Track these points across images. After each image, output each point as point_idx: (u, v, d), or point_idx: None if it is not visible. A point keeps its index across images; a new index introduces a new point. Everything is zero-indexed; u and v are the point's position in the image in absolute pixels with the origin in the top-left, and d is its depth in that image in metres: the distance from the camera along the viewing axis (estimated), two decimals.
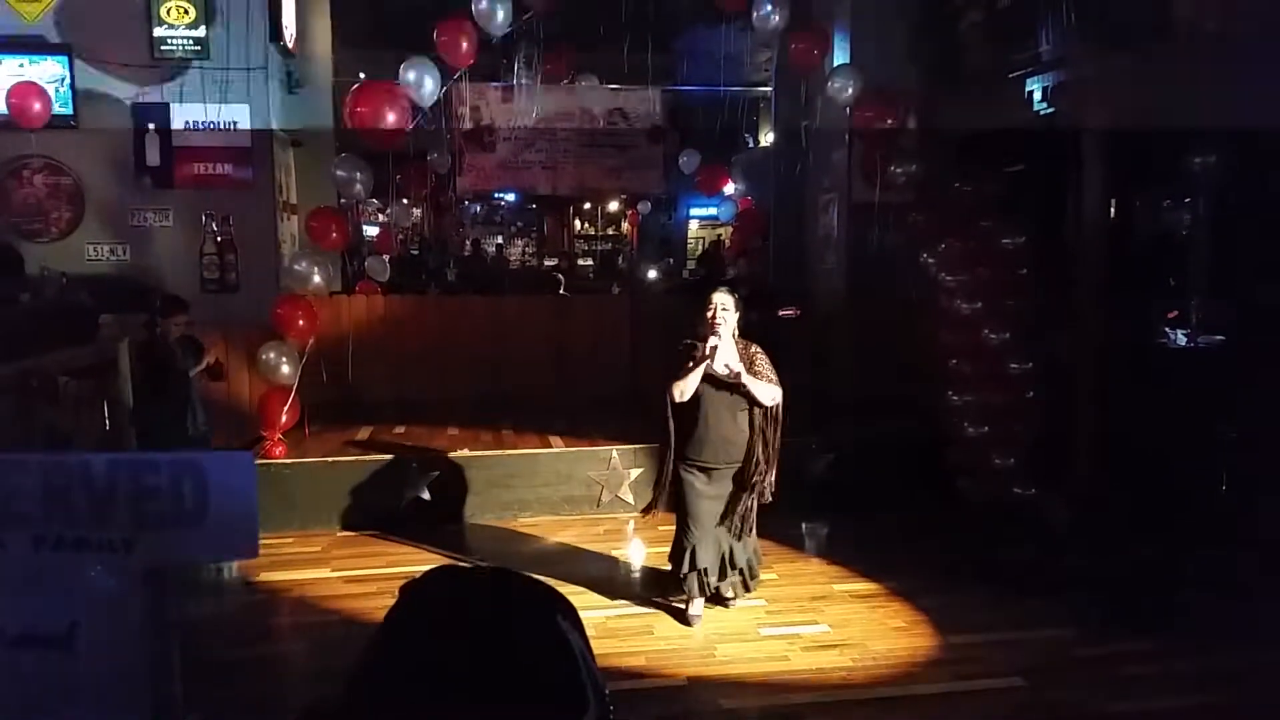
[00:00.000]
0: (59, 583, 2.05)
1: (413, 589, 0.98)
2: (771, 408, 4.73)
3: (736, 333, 4.72)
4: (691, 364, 4.63)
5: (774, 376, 4.70)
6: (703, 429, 4.72)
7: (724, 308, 4.67)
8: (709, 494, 4.80)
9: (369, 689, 0.91)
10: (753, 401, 4.68)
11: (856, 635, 4.75)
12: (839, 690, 4.20)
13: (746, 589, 5.06)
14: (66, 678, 2.05)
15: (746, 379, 4.58)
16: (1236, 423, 5.94)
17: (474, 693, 0.88)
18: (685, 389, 4.64)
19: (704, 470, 4.78)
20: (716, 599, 5.04)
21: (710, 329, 4.63)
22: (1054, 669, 4.38)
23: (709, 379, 4.67)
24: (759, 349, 4.76)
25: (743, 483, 4.77)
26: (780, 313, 8.42)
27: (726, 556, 4.87)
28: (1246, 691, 4.13)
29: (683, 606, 4.95)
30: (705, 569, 4.81)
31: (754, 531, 4.98)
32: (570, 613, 0.98)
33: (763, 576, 5.53)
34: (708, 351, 4.59)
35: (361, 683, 0.91)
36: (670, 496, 4.92)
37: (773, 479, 4.84)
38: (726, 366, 4.58)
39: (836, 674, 4.35)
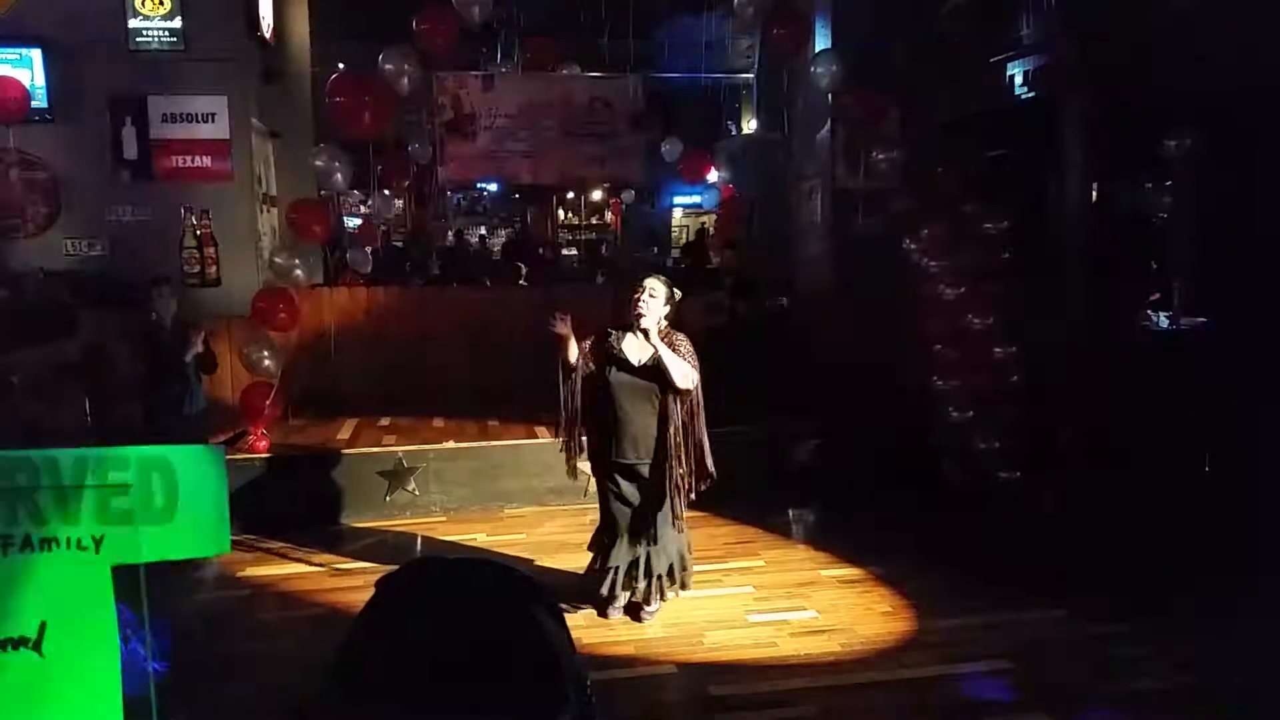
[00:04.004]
0: (28, 583, 2.02)
1: (389, 583, 0.96)
2: (687, 394, 4.46)
3: (664, 324, 4.50)
4: (610, 347, 4.53)
5: (694, 361, 4.45)
6: (619, 423, 4.51)
7: (651, 294, 4.44)
8: (626, 495, 4.61)
9: (345, 684, 0.89)
10: (667, 385, 4.42)
11: (844, 620, 4.76)
12: (827, 675, 4.20)
13: (663, 596, 4.76)
14: (37, 679, 2.03)
15: (662, 350, 4.34)
16: (1221, 405, 5.96)
17: (451, 687, 0.86)
18: (568, 354, 4.54)
19: (624, 469, 4.58)
20: (630, 611, 4.81)
21: (634, 309, 4.43)
22: (1041, 651, 4.39)
23: (621, 367, 4.49)
24: (684, 337, 4.53)
25: (662, 481, 4.49)
26: (767, 304, 8.42)
27: (641, 561, 4.64)
28: (1235, 672, 4.15)
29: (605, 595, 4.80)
30: (617, 568, 4.67)
31: (683, 530, 4.73)
32: (550, 605, 0.96)
33: (747, 564, 5.56)
34: (622, 342, 4.51)
35: (337, 678, 0.89)
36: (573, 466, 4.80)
37: (707, 476, 4.60)
38: (639, 360, 4.46)
39: (825, 659, 4.35)
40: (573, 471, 4.85)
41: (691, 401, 4.51)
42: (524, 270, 11.38)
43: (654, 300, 4.44)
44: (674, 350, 4.41)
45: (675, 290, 4.57)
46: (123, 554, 2.03)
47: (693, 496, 4.65)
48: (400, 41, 6.85)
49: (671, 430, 4.45)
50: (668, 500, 4.53)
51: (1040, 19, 6.71)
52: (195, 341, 6.02)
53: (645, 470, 4.55)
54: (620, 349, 4.53)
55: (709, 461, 4.59)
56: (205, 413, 6.37)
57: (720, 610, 4.91)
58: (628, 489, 4.62)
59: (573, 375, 4.60)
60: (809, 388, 7.55)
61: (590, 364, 4.60)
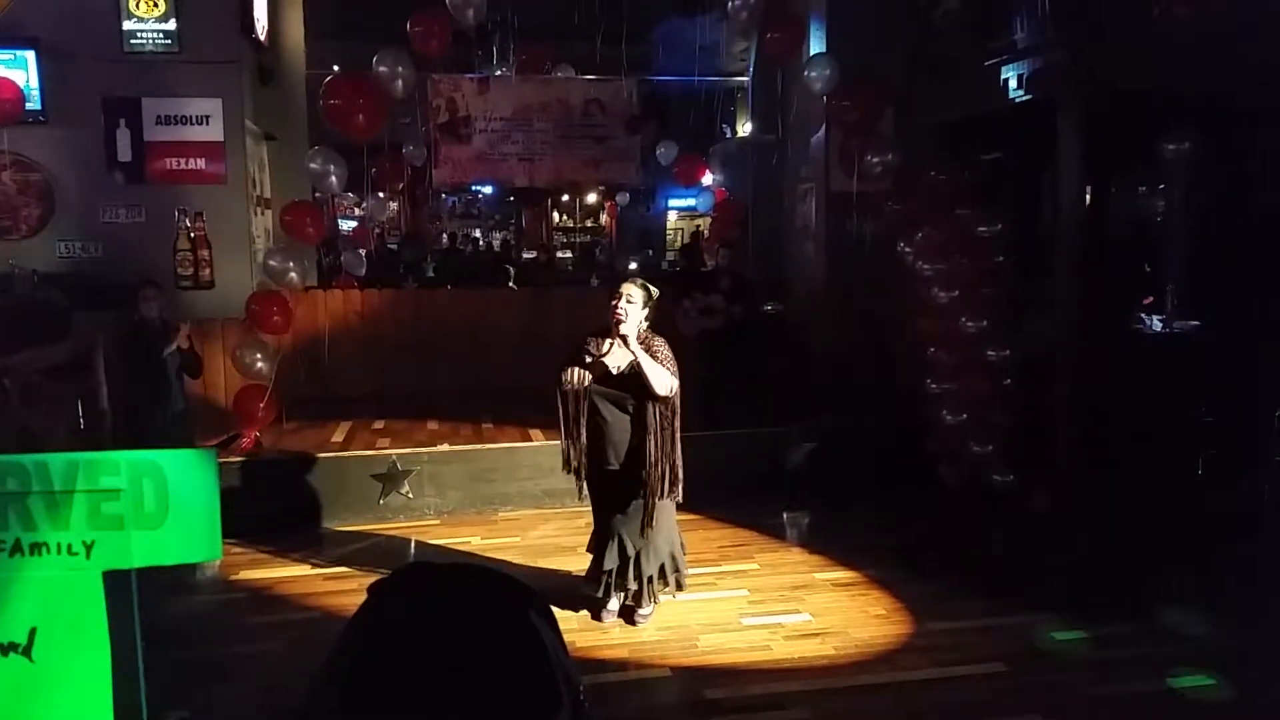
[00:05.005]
0: (18, 589, 2.01)
1: (381, 588, 0.95)
2: (665, 400, 4.41)
3: (644, 327, 4.47)
4: (587, 358, 4.45)
5: (673, 368, 4.43)
6: (602, 430, 4.52)
7: (629, 299, 4.40)
8: (611, 498, 4.62)
9: (335, 690, 0.88)
10: (645, 393, 4.39)
11: (838, 624, 4.75)
12: (821, 678, 4.20)
13: (655, 598, 4.78)
14: (27, 685, 2.02)
15: (643, 358, 4.31)
16: (1215, 406, 5.97)
17: (443, 692, 0.85)
18: (573, 379, 4.44)
19: (606, 474, 4.58)
20: (624, 614, 4.82)
21: (613, 316, 4.39)
22: (1035, 654, 4.40)
23: (600, 377, 4.46)
24: (663, 341, 4.51)
25: (643, 485, 4.49)
26: (763, 307, 8.41)
27: (631, 564, 4.64)
28: (1227, 673, 4.15)
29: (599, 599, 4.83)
30: (611, 570, 4.68)
31: (672, 532, 4.73)
32: (543, 609, 0.96)
33: (742, 567, 5.55)
34: (603, 351, 4.44)
35: (328, 684, 0.89)
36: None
37: (679, 481, 4.56)
38: (618, 367, 4.42)
39: (819, 662, 4.34)
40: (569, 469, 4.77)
41: (670, 408, 4.49)
42: (512, 272, 11.37)
43: (632, 306, 4.40)
44: (653, 356, 4.39)
45: (653, 290, 4.54)
46: (114, 559, 2.02)
47: (679, 500, 4.64)
48: (395, 44, 6.85)
49: (648, 437, 4.45)
50: (650, 504, 4.52)
51: (1034, 21, 6.71)
52: (178, 337, 6.04)
53: (627, 475, 4.54)
54: (599, 357, 4.49)
55: (680, 467, 4.56)
56: (183, 415, 6.35)
57: (714, 613, 4.90)
58: (614, 493, 4.62)
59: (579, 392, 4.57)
60: (804, 390, 7.56)
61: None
